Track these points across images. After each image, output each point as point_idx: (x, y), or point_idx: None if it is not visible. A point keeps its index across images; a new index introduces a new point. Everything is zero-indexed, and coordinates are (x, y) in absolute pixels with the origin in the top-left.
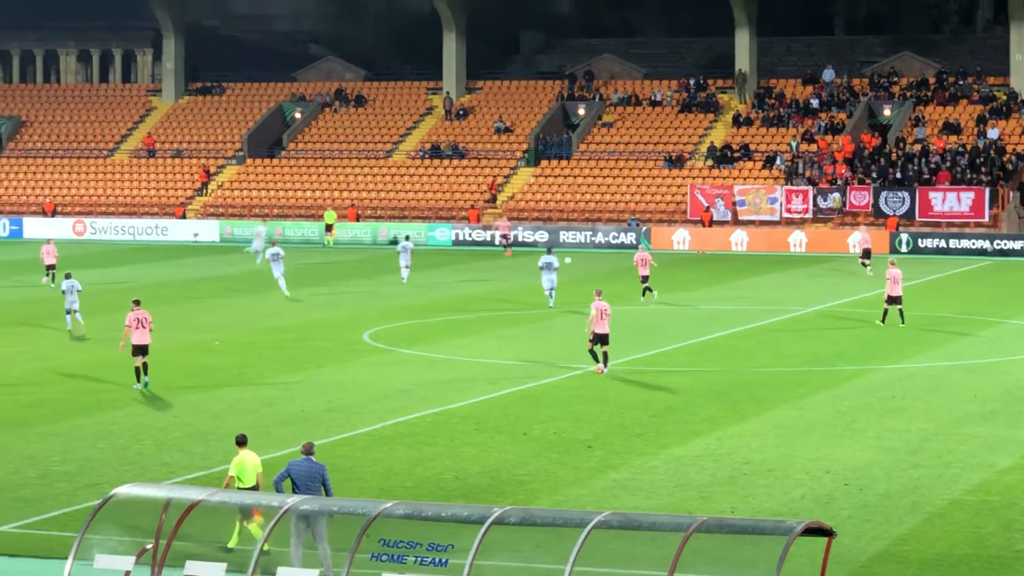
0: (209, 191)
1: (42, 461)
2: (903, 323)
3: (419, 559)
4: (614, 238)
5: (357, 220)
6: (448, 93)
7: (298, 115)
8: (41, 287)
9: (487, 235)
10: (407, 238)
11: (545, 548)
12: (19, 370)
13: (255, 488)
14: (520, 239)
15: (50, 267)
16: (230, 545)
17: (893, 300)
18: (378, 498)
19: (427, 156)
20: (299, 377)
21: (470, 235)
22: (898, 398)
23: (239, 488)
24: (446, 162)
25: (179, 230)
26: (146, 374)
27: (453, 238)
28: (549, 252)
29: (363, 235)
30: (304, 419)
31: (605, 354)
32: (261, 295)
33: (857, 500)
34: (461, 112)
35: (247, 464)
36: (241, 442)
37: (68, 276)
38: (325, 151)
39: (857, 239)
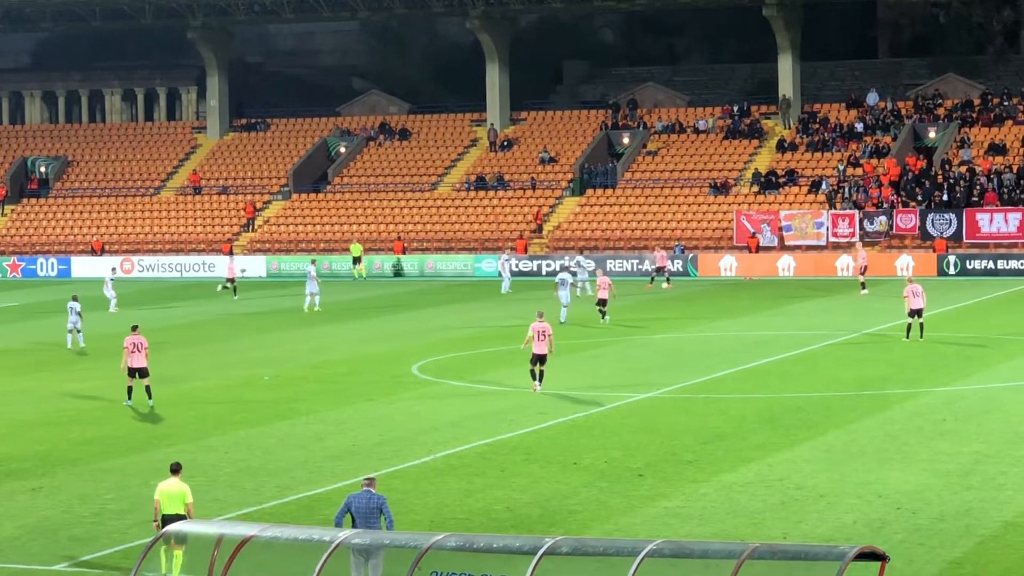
0: (255, 227)
1: (95, 499)
2: (922, 337)
3: None
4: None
5: (403, 253)
6: (492, 124)
7: (343, 149)
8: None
9: (533, 265)
10: (312, 262)
11: None
12: (72, 408)
13: (183, 517)
14: (568, 268)
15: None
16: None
17: (915, 313)
18: (429, 530)
19: (472, 188)
20: (349, 411)
21: (517, 266)
22: (949, 420)
23: (164, 515)
24: (491, 193)
25: (226, 266)
26: (150, 397)
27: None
28: (564, 270)
29: (409, 267)
30: (354, 453)
31: (542, 372)
32: (309, 329)
33: (910, 524)
34: (505, 143)
35: (171, 492)
36: (174, 470)
37: (74, 298)
38: (370, 184)
39: (859, 259)
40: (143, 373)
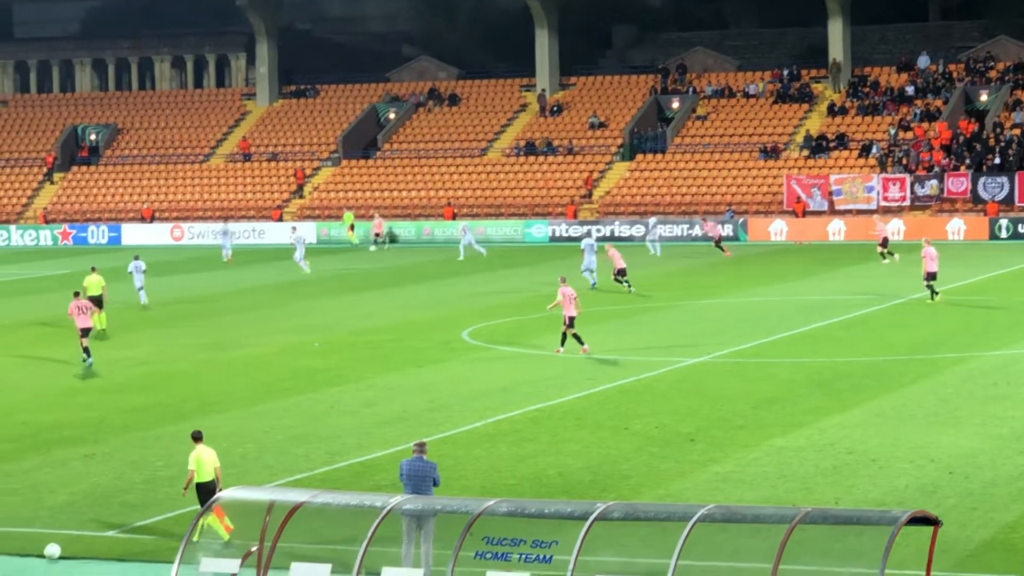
0: (305, 193)
1: (146, 465)
2: (932, 299)
3: (523, 556)
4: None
5: (453, 219)
6: (542, 89)
7: (392, 115)
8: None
9: (583, 230)
10: (294, 229)
11: (649, 543)
12: (121, 376)
13: (213, 483)
14: (616, 234)
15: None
16: (195, 539)
17: (931, 276)
18: (481, 496)
19: (522, 153)
20: (399, 377)
21: (567, 231)
22: (1001, 384)
23: (197, 483)
24: (541, 159)
25: (276, 233)
26: (89, 356)
27: (550, 234)
28: (589, 235)
29: (459, 233)
30: (405, 419)
31: (576, 335)
32: (358, 296)
33: (962, 488)
34: (555, 108)
35: (204, 459)
36: (197, 437)
37: (136, 257)
38: (420, 151)
39: (878, 229)
40: (86, 333)
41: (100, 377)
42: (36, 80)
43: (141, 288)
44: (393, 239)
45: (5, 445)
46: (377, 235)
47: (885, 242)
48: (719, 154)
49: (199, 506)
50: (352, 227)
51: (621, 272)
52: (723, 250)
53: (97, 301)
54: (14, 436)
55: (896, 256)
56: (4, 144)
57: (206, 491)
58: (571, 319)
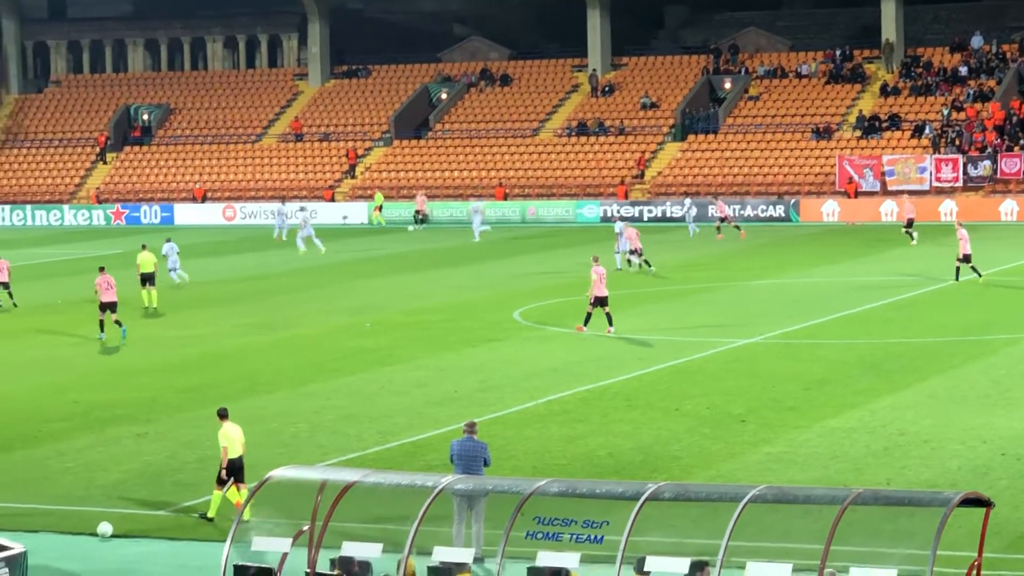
0: (357, 173)
1: (199, 445)
2: (981, 277)
3: (574, 536)
4: (763, 211)
5: (504, 199)
6: (593, 70)
7: (444, 96)
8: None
9: (635, 211)
10: (302, 208)
11: (700, 523)
12: (175, 356)
13: (241, 459)
14: (668, 215)
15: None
16: (210, 515)
17: (966, 258)
18: (532, 476)
19: (573, 133)
20: (450, 357)
21: (618, 211)
22: None
23: (230, 459)
24: (592, 139)
25: (328, 213)
26: (121, 326)
27: (601, 215)
28: (621, 219)
29: (511, 214)
30: (456, 399)
31: (608, 315)
32: (409, 276)
33: (1015, 470)
34: (607, 89)
35: (232, 435)
36: (223, 415)
37: (168, 240)
38: (471, 131)
39: (904, 209)
40: (114, 308)
41: (153, 356)
42: (89, 60)
43: (174, 269)
44: (424, 219)
45: (58, 424)
46: (418, 212)
47: (911, 223)
48: (771, 135)
49: (226, 480)
50: (380, 208)
51: (636, 252)
52: (739, 229)
53: (149, 278)
54: (67, 415)
55: (915, 236)
56: (57, 124)
57: (236, 467)
58: (600, 299)
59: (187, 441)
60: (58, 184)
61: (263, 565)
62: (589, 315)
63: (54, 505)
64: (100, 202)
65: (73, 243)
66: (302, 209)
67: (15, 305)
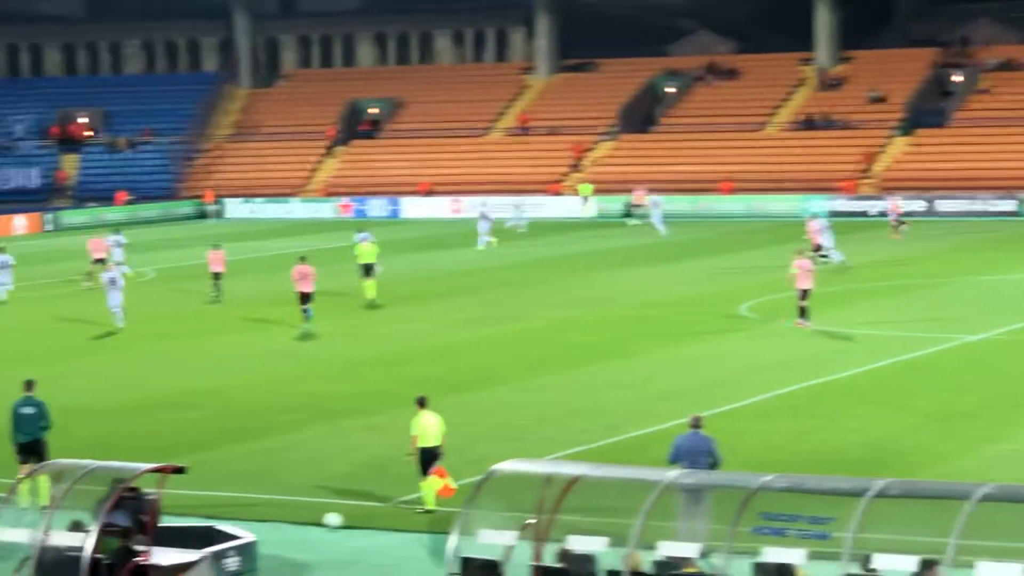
0: (583, 167)
1: None
2: None
3: (800, 532)
4: (992, 207)
5: (731, 194)
6: (820, 64)
7: (670, 90)
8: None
9: (862, 206)
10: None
11: (928, 521)
12: (403, 349)
13: (437, 449)
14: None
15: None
16: (429, 508)
17: None
18: (758, 471)
19: (800, 128)
20: (676, 351)
21: (846, 206)
22: None
23: (421, 448)
24: (819, 133)
25: (555, 207)
26: (309, 317)
27: (828, 210)
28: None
29: (736, 208)
30: (682, 393)
31: (805, 308)
32: (634, 270)
33: None
34: (834, 82)
35: (428, 424)
36: (422, 403)
37: (359, 231)
38: (697, 125)
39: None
40: (310, 299)
41: (381, 349)
42: (318, 55)
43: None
44: (641, 214)
45: (287, 415)
46: (636, 207)
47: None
48: (1002, 129)
49: (422, 471)
50: (586, 199)
51: (816, 248)
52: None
53: (368, 269)
54: (296, 406)
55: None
56: (287, 118)
57: (430, 456)
58: (802, 291)
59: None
60: (288, 177)
61: (489, 558)
62: (802, 308)
63: (284, 495)
64: (328, 195)
65: (302, 236)
66: (483, 204)
67: (218, 298)
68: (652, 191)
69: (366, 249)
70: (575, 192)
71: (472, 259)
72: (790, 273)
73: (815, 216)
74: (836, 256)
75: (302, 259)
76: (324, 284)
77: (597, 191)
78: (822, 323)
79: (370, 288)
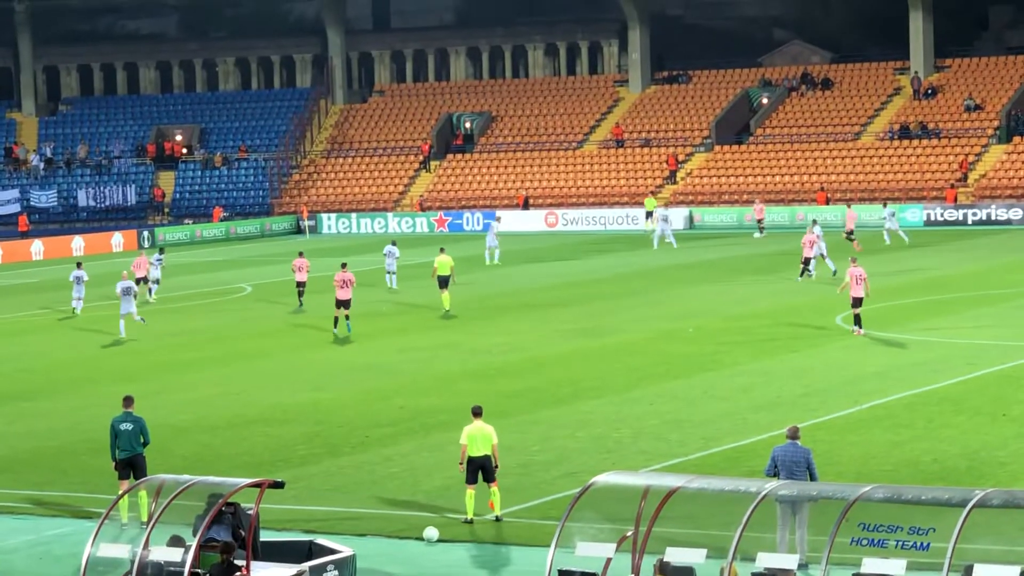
0: (678, 179)
1: (522, 450)
2: None
3: (900, 543)
4: None
5: (827, 204)
6: (916, 72)
7: (765, 100)
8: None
9: (959, 215)
10: (393, 243)
11: None
12: (499, 362)
13: (487, 458)
14: (993, 217)
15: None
16: (469, 516)
17: None
18: (856, 482)
19: (896, 137)
20: (772, 362)
21: (942, 215)
22: None
23: (469, 457)
24: (915, 142)
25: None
26: (348, 320)
27: (925, 219)
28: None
29: (831, 217)
30: (779, 404)
31: (857, 316)
32: (729, 283)
33: None
34: (929, 91)
35: (477, 435)
36: (476, 412)
37: (393, 243)
38: (793, 135)
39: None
40: (347, 305)
41: (477, 362)
42: (412, 69)
43: (392, 272)
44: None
45: (384, 429)
46: (759, 221)
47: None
48: None
49: (470, 481)
50: (649, 215)
51: (805, 261)
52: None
53: (444, 281)
54: (393, 420)
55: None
56: (382, 133)
57: (477, 466)
58: (855, 299)
59: (511, 447)
60: (383, 192)
61: (587, 571)
62: (856, 317)
63: (381, 509)
64: (423, 210)
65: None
66: (665, 220)
67: (301, 308)
68: (796, 203)
69: (443, 260)
70: (694, 204)
71: (571, 271)
72: (843, 283)
73: (815, 223)
74: (831, 265)
75: (343, 266)
76: (419, 298)
77: (694, 203)
78: (916, 333)
79: (446, 300)
